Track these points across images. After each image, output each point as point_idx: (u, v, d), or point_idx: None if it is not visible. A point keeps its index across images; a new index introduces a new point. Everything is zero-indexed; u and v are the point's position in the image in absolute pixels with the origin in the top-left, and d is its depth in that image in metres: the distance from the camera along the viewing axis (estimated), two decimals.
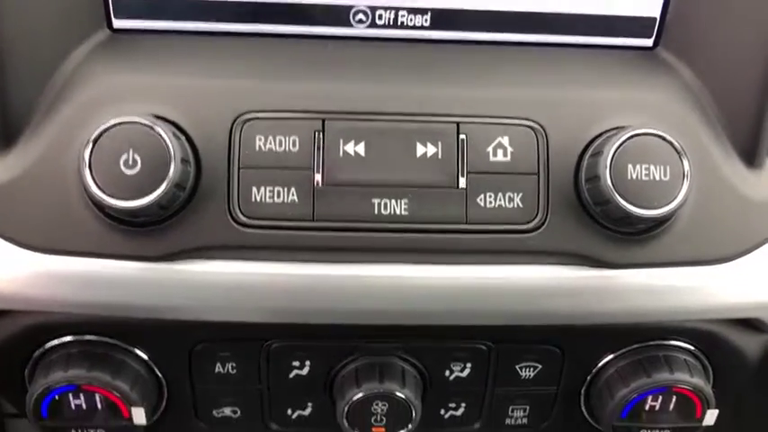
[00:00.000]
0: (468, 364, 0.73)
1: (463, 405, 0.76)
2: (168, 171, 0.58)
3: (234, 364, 0.72)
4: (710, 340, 0.73)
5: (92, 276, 0.63)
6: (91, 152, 0.59)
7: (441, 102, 0.65)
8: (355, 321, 0.66)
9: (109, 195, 0.58)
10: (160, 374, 0.72)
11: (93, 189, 0.58)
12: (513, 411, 0.77)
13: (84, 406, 0.70)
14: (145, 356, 0.71)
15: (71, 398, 0.69)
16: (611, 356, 0.74)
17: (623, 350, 0.73)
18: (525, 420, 0.78)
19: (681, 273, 0.66)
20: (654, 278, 0.66)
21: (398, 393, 0.70)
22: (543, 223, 0.64)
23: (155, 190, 0.58)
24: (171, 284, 0.63)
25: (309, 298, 0.65)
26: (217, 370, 0.72)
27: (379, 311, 0.66)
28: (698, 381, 0.71)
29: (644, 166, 0.61)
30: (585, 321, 0.67)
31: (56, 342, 0.69)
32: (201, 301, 0.64)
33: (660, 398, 0.72)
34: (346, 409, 0.70)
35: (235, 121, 0.63)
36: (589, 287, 0.66)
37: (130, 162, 0.59)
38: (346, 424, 0.71)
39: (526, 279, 0.65)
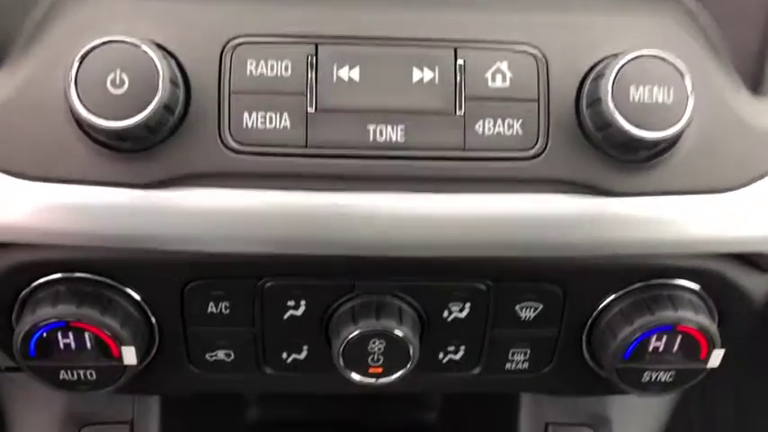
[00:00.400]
0: (467, 305, 0.71)
1: (462, 349, 0.75)
2: (156, 91, 0.57)
3: (227, 304, 0.70)
4: (716, 280, 0.71)
5: (78, 204, 0.61)
6: (77, 71, 0.57)
7: (438, 26, 0.63)
8: (350, 252, 0.64)
9: (95, 115, 0.56)
10: (151, 315, 0.71)
11: (80, 109, 0.56)
12: (513, 355, 0.75)
13: (72, 345, 0.68)
14: (135, 296, 0.69)
15: (60, 336, 0.67)
16: (613, 296, 0.72)
17: (626, 289, 0.71)
18: (526, 365, 0.76)
19: (684, 201, 0.64)
20: (656, 207, 0.64)
21: (396, 331, 0.68)
22: (543, 150, 0.62)
23: (142, 110, 0.56)
24: (160, 212, 0.62)
25: (303, 227, 0.63)
26: (210, 310, 0.70)
27: (374, 241, 0.64)
28: (703, 319, 0.69)
29: (647, 88, 0.59)
30: (587, 253, 0.66)
31: (44, 280, 0.68)
32: (192, 230, 0.63)
33: (664, 338, 0.71)
34: (342, 347, 0.69)
35: (225, 45, 0.61)
36: (590, 216, 0.64)
37: (117, 82, 0.57)
38: (342, 364, 0.69)
39: (526, 208, 0.63)
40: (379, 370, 0.70)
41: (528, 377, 0.77)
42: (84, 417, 0.85)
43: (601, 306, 0.72)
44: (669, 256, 0.68)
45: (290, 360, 0.74)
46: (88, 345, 0.68)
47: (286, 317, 0.71)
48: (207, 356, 0.74)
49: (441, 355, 0.75)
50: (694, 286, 0.71)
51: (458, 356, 0.75)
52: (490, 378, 0.77)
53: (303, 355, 0.74)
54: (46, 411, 0.85)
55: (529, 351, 0.75)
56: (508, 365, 0.76)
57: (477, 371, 0.76)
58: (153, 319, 0.71)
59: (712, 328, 0.70)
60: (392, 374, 0.71)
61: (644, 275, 0.71)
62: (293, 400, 1.24)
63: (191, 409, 0.97)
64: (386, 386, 0.73)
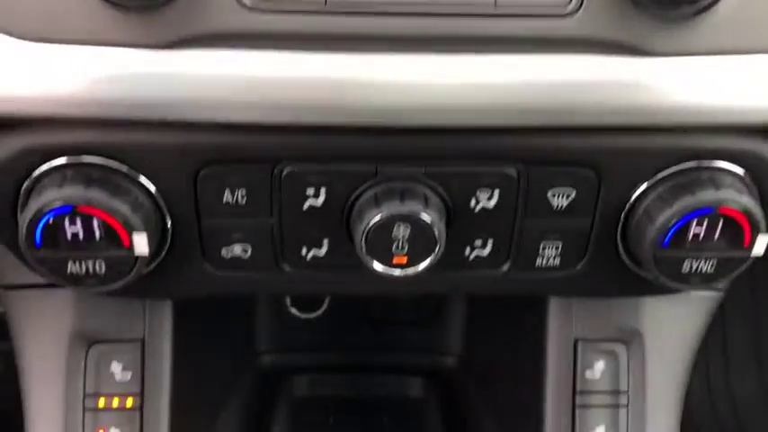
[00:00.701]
0: (496, 192, 0.67)
1: (490, 243, 0.71)
2: None
3: (243, 193, 0.66)
4: (758, 161, 0.67)
5: (85, 67, 0.58)
6: None
7: None
8: (372, 120, 0.61)
9: None
10: (164, 206, 0.67)
11: None
12: (544, 249, 0.71)
13: (80, 234, 0.64)
14: (147, 184, 0.65)
15: (66, 223, 0.63)
16: (649, 183, 0.68)
17: (663, 174, 0.67)
18: (557, 261, 0.72)
19: (730, 62, 0.60)
20: (700, 67, 0.60)
21: (422, 215, 0.64)
22: (579, 8, 0.58)
23: None
24: (172, 76, 0.58)
25: (323, 91, 0.59)
26: (225, 199, 0.67)
27: (397, 106, 0.60)
28: (747, 200, 0.65)
29: None
30: (626, 120, 0.62)
31: (49, 165, 0.64)
32: (206, 95, 0.59)
33: (705, 222, 0.66)
34: (365, 233, 0.64)
35: None
36: (630, 78, 0.60)
37: None
38: (365, 251, 0.65)
39: (560, 70, 0.60)
40: (404, 260, 0.66)
41: (559, 276, 0.73)
42: (94, 334, 0.82)
43: (637, 193, 0.68)
44: (711, 128, 0.64)
45: (309, 256, 0.71)
46: (97, 233, 0.64)
47: (305, 207, 0.67)
48: (223, 252, 0.70)
49: (467, 251, 0.71)
50: (737, 169, 0.67)
51: (485, 252, 0.71)
52: (519, 277, 0.73)
53: (323, 251, 0.70)
54: (55, 330, 0.81)
55: (561, 244, 0.71)
56: (538, 261, 0.72)
57: (505, 267, 0.72)
58: (165, 211, 0.67)
59: (756, 209, 0.66)
60: (417, 264, 0.66)
61: (682, 157, 0.66)
62: (306, 345, 1.22)
63: (201, 333, 0.94)
64: (410, 283, 0.69)
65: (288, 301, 1.18)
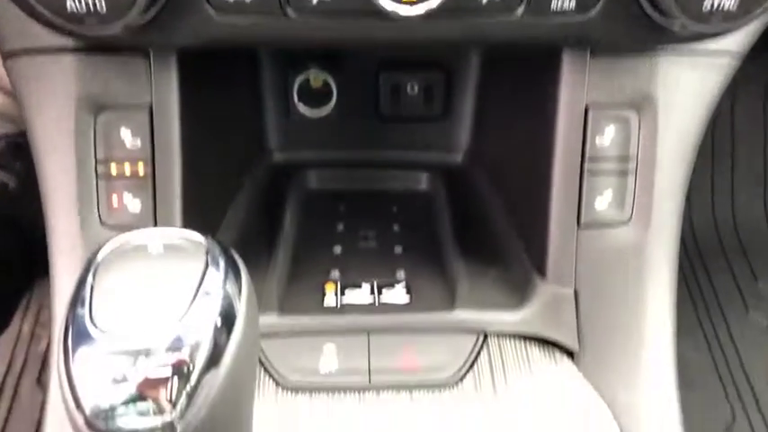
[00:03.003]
0: None
1: None
2: None
3: None
4: None
5: None
6: None
7: None
8: None
9: None
10: None
11: None
12: None
13: None
14: None
15: None
16: None
17: None
18: (572, 4, 0.70)
19: None
20: None
21: None
22: None
23: None
24: None
25: None
26: None
27: None
28: None
29: None
30: None
31: None
32: None
33: None
34: None
35: None
36: None
37: None
38: None
39: None
40: None
41: (575, 21, 0.71)
42: (101, 100, 0.81)
43: None
44: None
45: (315, 0, 0.69)
46: None
47: None
48: None
49: None
50: None
51: None
52: (533, 22, 0.71)
53: None
54: (61, 96, 0.80)
55: None
56: (553, 4, 0.70)
57: (519, 12, 0.70)
58: None
59: None
60: None
61: None
62: (315, 144, 1.21)
63: (210, 115, 0.93)
64: (422, 29, 0.68)
65: (295, 96, 1.17)
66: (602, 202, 0.84)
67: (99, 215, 0.82)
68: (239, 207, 1.03)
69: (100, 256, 0.51)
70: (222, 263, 0.50)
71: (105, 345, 0.46)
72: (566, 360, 0.85)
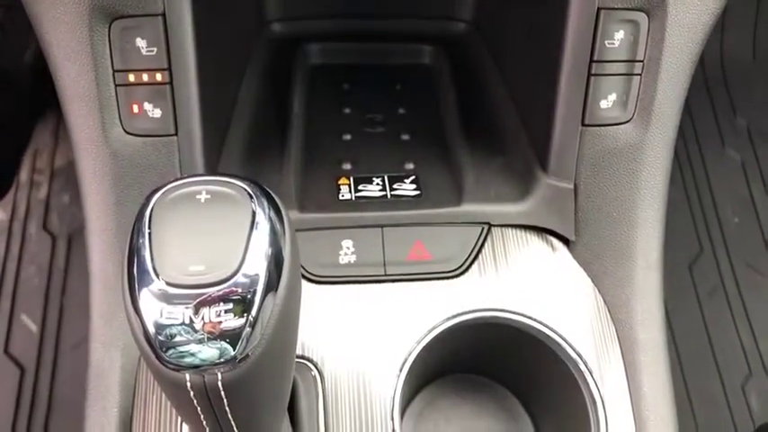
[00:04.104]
0: None
1: None
2: None
3: None
4: None
5: None
6: None
7: None
8: None
9: None
10: None
11: None
12: None
13: None
14: None
15: None
16: None
17: None
18: None
19: None
20: None
21: None
22: None
23: None
24: None
25: None
26: None
27: None
28: None
29: None
30: None
31: None
32: None
33: None
34: None
35: None
36: None
37: None
38: None
39: None
40: None
41: None
42: (113, 9, 0.80)
43: None
44: None
45: None
46: None
47: None
48: None
49: None
50: None
51: None
52: None
53: None
54: (73, 5, 0.79)
55: None
56: None
57: None
58: None
59: None
60: None
61: None
62: (316, 13, 1.20)
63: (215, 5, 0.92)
64: None
65: None
66: (608, 102, 0.88)
67: (121, 122, 0.85)
68: (247, 94, 1.04)
69: (152, 202, 0.53)
70: (266, 204, 0.53)
71: (170, 284, 0.50)
72: (562, 248, 0.93)
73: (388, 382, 0.83)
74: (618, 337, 0.89)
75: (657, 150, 0.90)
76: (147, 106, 0.84)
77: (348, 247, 0.89)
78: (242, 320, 0.51)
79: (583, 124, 0.89)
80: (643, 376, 0.87)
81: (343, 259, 0.89)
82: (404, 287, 0.88)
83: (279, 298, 0.52)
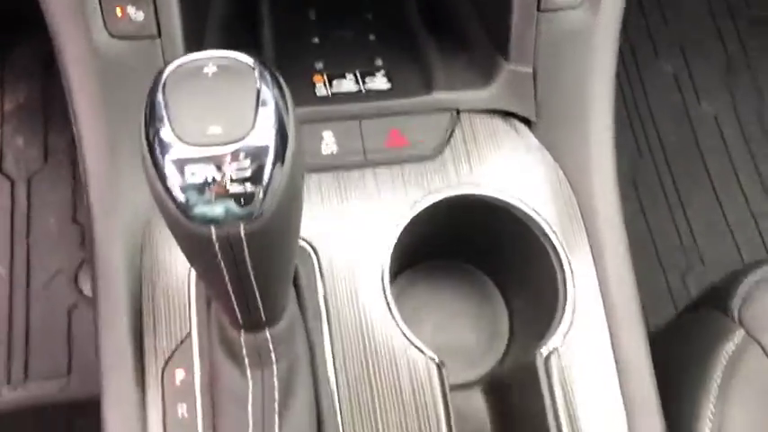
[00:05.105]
0: None
1: None
2: None
3: None
4: None
5: None
6: None
7: None
8: None
9: None
10: None
11: None
12: None
13: None
14: None
15: None
16: None
17: None
18: None
19: None
20: None
21: None
22: None
23: None
24: None
25: None
26: None
27: None
28: None
29: None
30: None
31: None
32: None
33: None
34: None
35: None
36: None
37: None
38: None
39: None
40: None
41: None
42: None
43: None
44: None
45: None
46: None
47: None
48: None
49: None
50: None
51: None
52: None
53: None
54: None
55: None
56: None
57: None
58: None
59: None
60: None
61: None
62: None
63: None
64: None
65: None
66: None
67: (105, 26, 0.88)
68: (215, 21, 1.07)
69: (165, 75, 0.57)
70: (269, 78, 0.57)
71: (192, 144, 0.54)
72: (525, 129, 1.02)
73: (379, 253, 0.91)
74: (581, 213, 0.97)
75: (606, 33, 0.98)
76: (130, 9, 0.88)
77: (329, 139, 0.96)
78: (260, 174, 0.56)
79: (538, 10, 0.96)
80: (605, 251, 0.96)
81: (326, 150, 0.95)
82: (385, 171, 0.95)
83: (288, 159, 0.57)
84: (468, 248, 1.10)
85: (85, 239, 0.90)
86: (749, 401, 1.09)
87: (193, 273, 0.88)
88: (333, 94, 0.99)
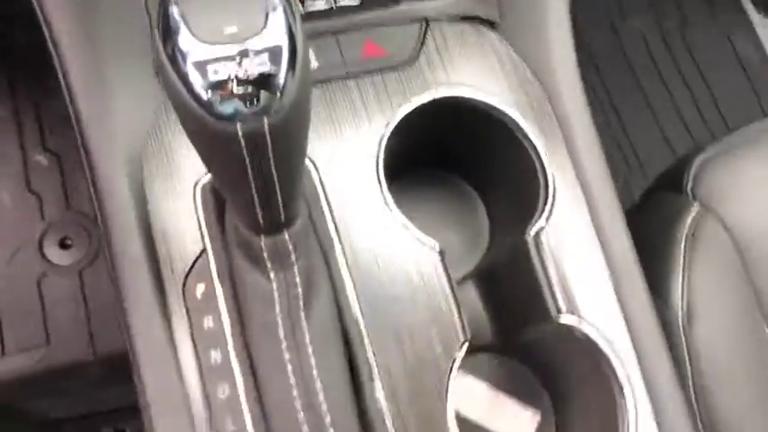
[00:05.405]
0: None
1: None
2: None
3: None
4: None
5: None
6: None
7: None
8: None
9: None
10: None
11: None
12: None
13: None
14: None
15: None
16: None
17: None
18: None
19: None
20: None
21: None
22: None
23: None
24: None
25: None
26: None
27: None
28: None
29: None
30: None
31: None
32: None
33: None
34: None
35: None
36: None
37: None
38: None
39: None
40: None
41: None
42: None
43: None
44: None
45: None
46: None
47: None
48: None
49: None
50: None
51: None
52: None
53: None
54: None
55: None
56: None
57: None
58: None
59: None
60: None
61: None
62: None
63: None
64: None
65: None
66: None
67: None
68: None
69: None
70: None
71: (212, 43, 0.57)
72: (490, 32, 1.08)
73: (372, 152, 0.97)
74: (552, 106, 1.04)
75: None
76: None
77: (309, 55, 0.99)
78: (278, 68, 0.59)
79: None
80: (577, 139, 1.03)
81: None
82: (366, 80, 1.00)
83: (299, 53, 0.61)
84: (446, 155, 1.16)
85: (87, 179, 0.90)
86: (711, 265, 1.20)
87: (198, 192, 0.91)
88: (306, 13, 1.02)
